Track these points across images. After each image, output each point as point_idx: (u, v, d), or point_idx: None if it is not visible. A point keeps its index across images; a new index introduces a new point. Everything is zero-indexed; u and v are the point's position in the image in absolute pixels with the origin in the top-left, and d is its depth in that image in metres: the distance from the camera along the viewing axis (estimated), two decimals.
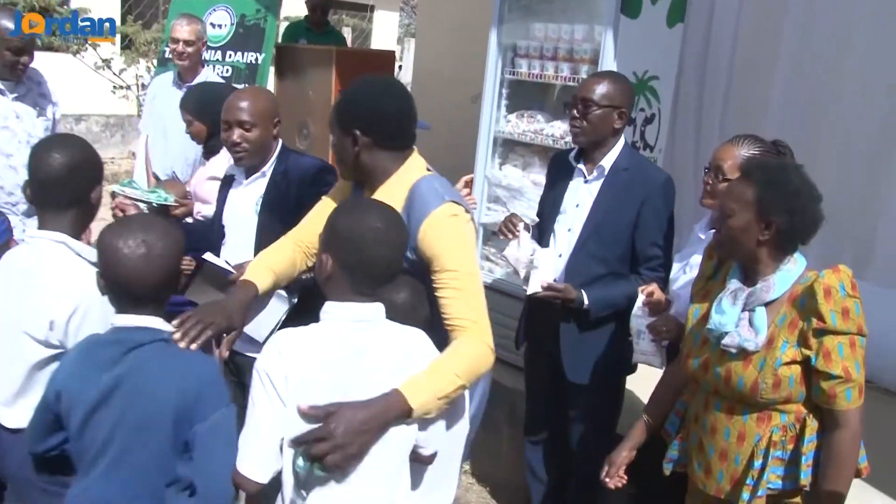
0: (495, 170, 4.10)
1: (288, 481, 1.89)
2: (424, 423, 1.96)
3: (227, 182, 3.15)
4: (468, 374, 2.02)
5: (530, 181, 3.97)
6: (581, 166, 3.06)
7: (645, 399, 3.58)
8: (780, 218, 2.11)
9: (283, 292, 2.77)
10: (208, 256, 2.81)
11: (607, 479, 2.55)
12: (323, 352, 1.87)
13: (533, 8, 3.93)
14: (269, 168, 3.04)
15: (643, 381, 3.55)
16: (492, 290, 4.07)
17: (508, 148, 4.13)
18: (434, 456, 2.06)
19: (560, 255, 3.07)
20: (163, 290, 1.97)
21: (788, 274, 2.17)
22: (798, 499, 2.22)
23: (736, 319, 2.17)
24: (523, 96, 4.13)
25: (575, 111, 2.96)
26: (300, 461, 1.82)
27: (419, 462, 2.04)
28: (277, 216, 2.90)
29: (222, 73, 5.40)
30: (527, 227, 3.13)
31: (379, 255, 1.92)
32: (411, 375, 1.91)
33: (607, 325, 3.04)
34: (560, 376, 3.11)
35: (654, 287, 2.80)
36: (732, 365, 2.19)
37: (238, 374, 2.98)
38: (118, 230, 1.93)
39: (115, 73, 10.64)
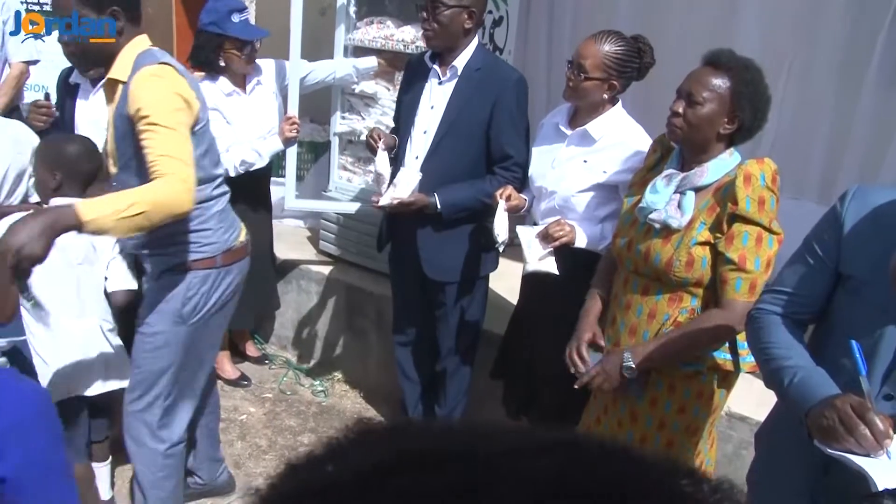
0: None
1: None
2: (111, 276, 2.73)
3: (70, 91, 3.03)
4: (152, 205, 2.16)
5: (383, 87, 3.96)
6: (436, 67, 3.06)
7: (508, 296, 3.73)
8: (746, 114, 2.17)
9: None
10: None
11: (575, 358, 2.42)
12: None
13: None
14: None
15: (506, 279, 3.67)
16: (351, 199, 4.08)
17: (360, 56, 4.08)
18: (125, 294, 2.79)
19: (417, 157, 3.09)
20: None
21: (723, 163, 2.22)
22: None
23: (667, 199, 2.23)
24: (372, 4, 4.07)
25: (424, 13, 2.95)
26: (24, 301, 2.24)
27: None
28: None
29: None
30: (388, 144, 3.12)
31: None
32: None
33: (464, 225, 3.11)
34: (423, 276, 3.18)
35: (510, 189, 2.82)
36: (653, 242, 2.26)
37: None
38: None
39: None
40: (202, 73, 3.60)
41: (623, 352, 2.28)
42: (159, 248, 2.57)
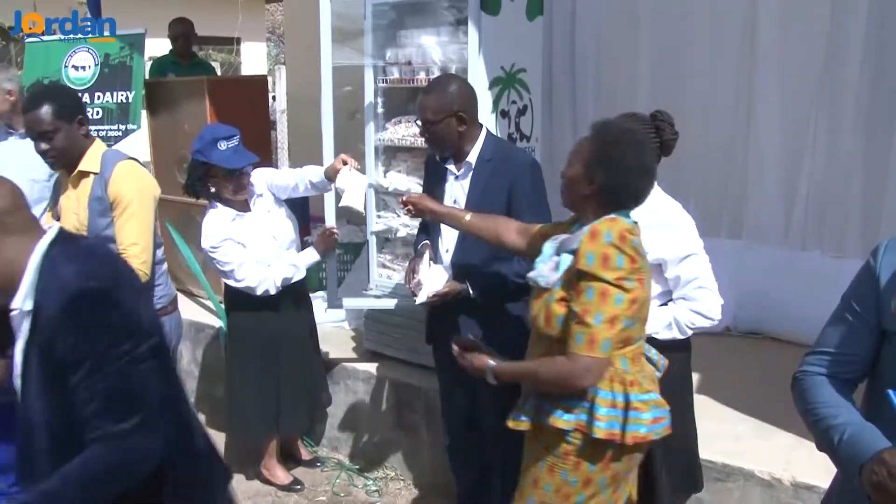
0: (380, 178, 4.14)
1: None
2: None
3: None
4: None
5: (416, 183, 4.04)
6: (450, 166, 3.18)
7: None
8: (600, 176, 2.25)
9: None
10: None
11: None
12: None
13: (398, 18, 4.00)
14: None
15: None
16: (392, 295, 4.12)
17: (390, 155, 4.18)
18: None
19: (447, 251, 3.18)
20: None
21: None
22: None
23: (547, 261, 2.35)
24: (399, 103, 4.19)
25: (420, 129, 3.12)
26: None
27: None
28: None
29: (92, 115, 5.26)
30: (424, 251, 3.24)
31: None
32: None
33: (502, 311, 3.15)
34: None
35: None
36: (533, 301, 2.38)
37: None
38: None
39: None
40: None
41: (488, 366, 2.47)
42: None
